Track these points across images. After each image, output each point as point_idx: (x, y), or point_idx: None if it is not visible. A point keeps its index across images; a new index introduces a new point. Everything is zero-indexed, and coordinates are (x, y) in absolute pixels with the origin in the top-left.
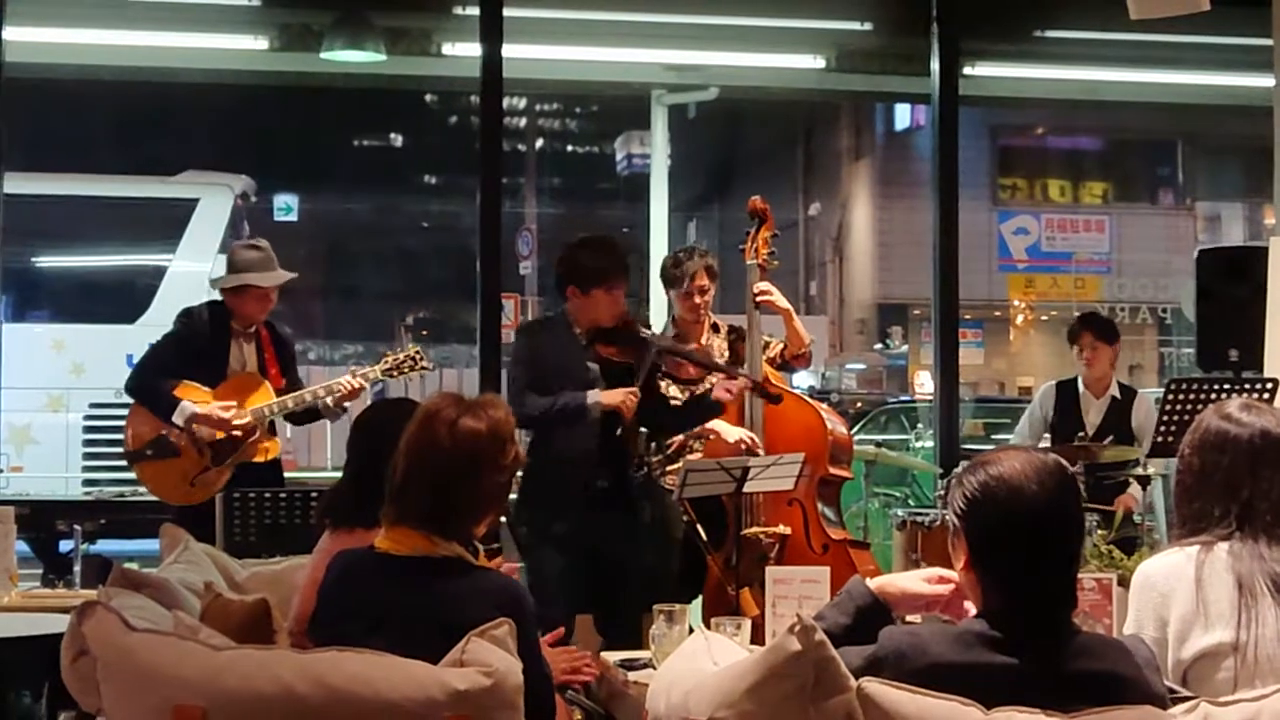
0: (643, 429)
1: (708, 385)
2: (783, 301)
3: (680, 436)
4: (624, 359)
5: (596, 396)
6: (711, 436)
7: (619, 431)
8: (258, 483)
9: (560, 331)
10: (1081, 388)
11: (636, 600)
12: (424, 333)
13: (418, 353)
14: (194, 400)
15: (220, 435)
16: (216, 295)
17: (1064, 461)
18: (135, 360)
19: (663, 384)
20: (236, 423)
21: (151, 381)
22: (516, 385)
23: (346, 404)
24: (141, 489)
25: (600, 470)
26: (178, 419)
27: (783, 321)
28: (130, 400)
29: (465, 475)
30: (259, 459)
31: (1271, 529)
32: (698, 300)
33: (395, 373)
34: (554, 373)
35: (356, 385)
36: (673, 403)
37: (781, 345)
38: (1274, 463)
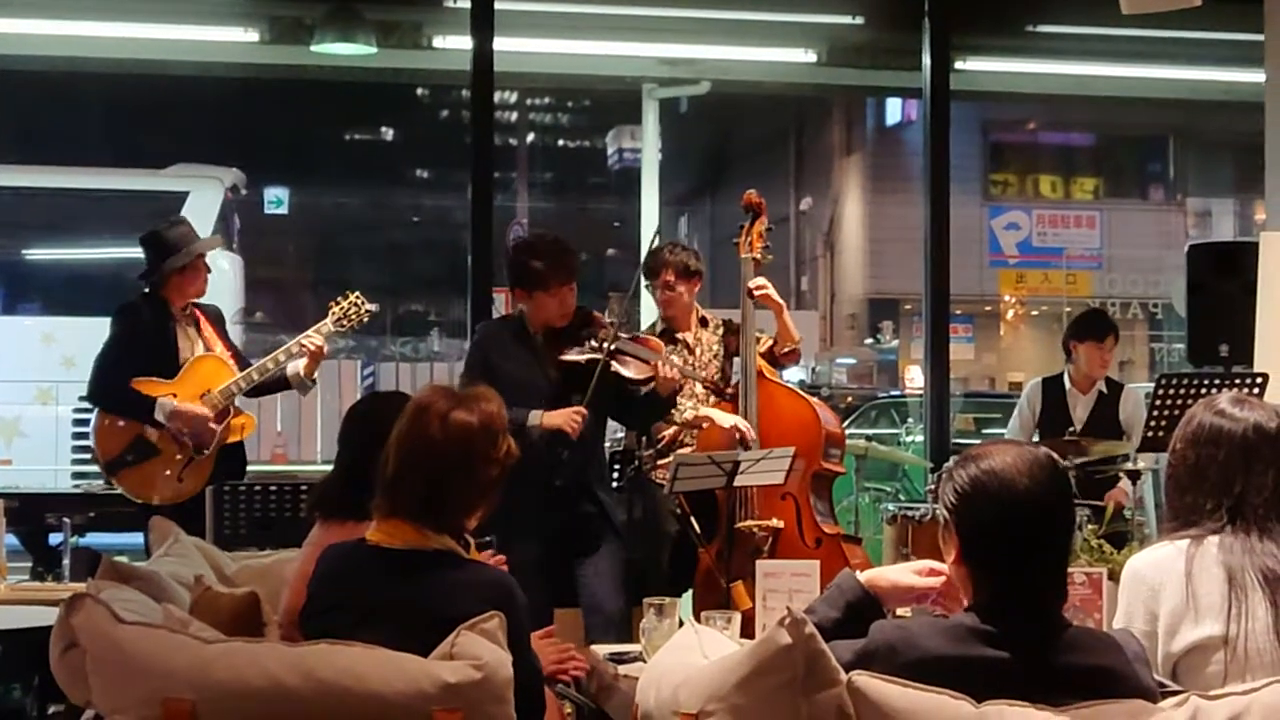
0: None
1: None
2: (777, 297)
3: (671, 430)
4: (578, 359)
5: (538, 418)
6: (705, 425)
7: (564, 455)
8: (226, 464)
9: (517, 333)
10: (1068, 384)
11: (615, 594)
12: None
13: (359, 297)
14: (162, 395)
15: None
16: (143, 289)
17: (1055, 455)
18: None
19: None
20: (213, 422)
21: (115, 387)
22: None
23: (315, 374)
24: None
25: (556, 471)
26: (159, 416)
27: (774, 317)
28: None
29: (457, 468)
30: (236, 438)
31: (1264, 522)
32: (668, 294)
33: (345, 322)
34: (507, 379)
35: (312, 347)
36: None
37: (771, 340)
38: (1266, 457)
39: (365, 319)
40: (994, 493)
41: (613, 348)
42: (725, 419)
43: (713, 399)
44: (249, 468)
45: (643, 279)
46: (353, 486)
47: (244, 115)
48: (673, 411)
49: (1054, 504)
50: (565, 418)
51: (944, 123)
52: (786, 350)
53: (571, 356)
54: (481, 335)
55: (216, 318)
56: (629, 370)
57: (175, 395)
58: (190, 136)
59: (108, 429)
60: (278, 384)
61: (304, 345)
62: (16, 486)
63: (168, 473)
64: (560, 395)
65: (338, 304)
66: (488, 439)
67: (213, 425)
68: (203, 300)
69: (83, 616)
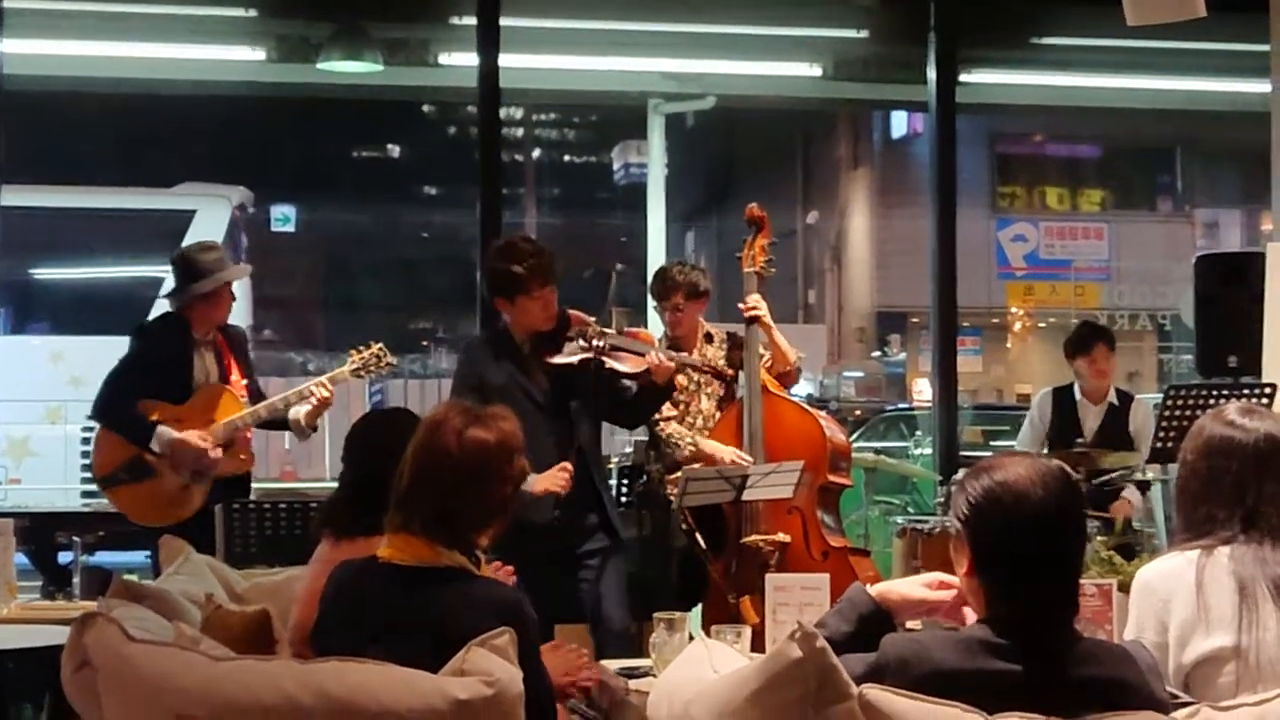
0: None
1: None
2: (768, 319)
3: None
4: (570, 361)
5: (530, 484)
6: (703, 460)
7: (556, 516)
8: (227, 493)
9: (503, 346)
10: (1078, 395)
11: (621, 608)
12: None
13: (381, 349)
14: (165, 420)
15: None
16: (166, 308)
17: (1067, 468)
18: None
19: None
20: (212, 452)
21: (120, 406)
22: None
23: (317, 423)
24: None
25: (552, 501)
26: (156, 446)
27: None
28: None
29: (471, 485)
30: (234, 471)
31: (1276, 532)
32: (676, 315)
33: (364, 372)
34: (498, 393)
35: (318, 397)
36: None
37: (767, 363)
38: (1278, 466)
39: (384, 371)
40: (1007, 505)
41: (604, 344)
42: (724, 453)
43: (716, 416)
44: (256, 485)
45: (650, 299)
46: (359, 504)
47: (251, 133)
48: (673, 446)
49: (1066, 516)
50: (552, 479)
51: (950, 135)
52: (783, 371)
53: (563, 359)
54: (469, 351)
55: (238, 341)
56: (624, 365)
57: (181, 420)
58: (197, 155)
59: (106, 444)
60: (280, 424)
61: (312, 392)
62: (26, 505)
63: (158, 496)
64: (555, 402)
65: (359, 352)
66: (503, 457)
67: (211, 455)
68: (231, 328)
69: (94, 635)
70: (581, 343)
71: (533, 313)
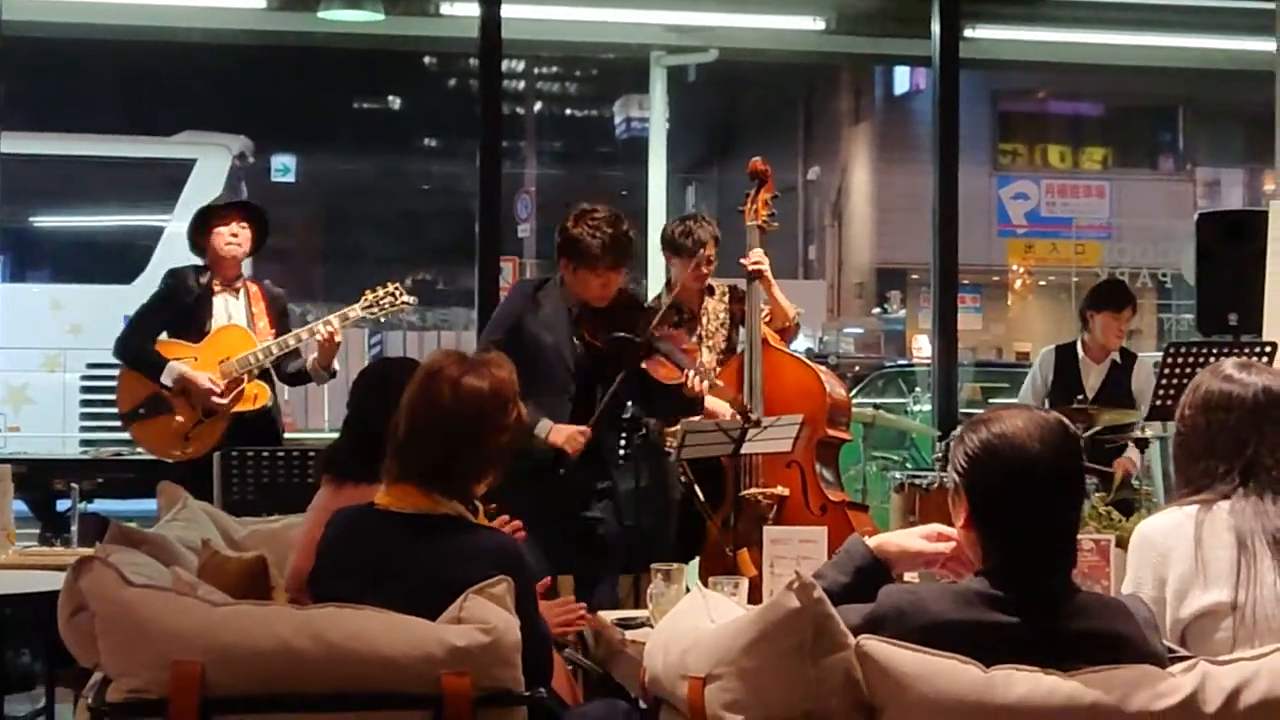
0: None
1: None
2: (769, 274)
3: None
4: (606, 347)
5: (545, 430)
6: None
7: (561, 471)
8: (251, 431)
9: (554, 299)
10: (1081, 353)
11: (612, 561)
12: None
13: (396, 288)
14: (180, 358)
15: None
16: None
17: (1066, 421)
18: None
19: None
20: (216, 397)
21: (138, 344)
22: (483, 343)
23: (335, 365)
24: (141, 448)
25: (553, 456)
26: (166, 379)
27: (778, 289)
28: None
29: (467, 434)
30: (247, 407)
31: (1276, 485)
32: (705, 270)
33: (375, 309)
34: (534, 344)
35: (335, 328)
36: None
37: (767, 317)
38: (1277, 418)
39: (400, 310)
40: (1005, 457)
41: (651, 345)
42: (725, 411)
43: (717, 370)
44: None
45: (674, 255)
46: (362, 450)
47: (252, 82)
48: None
49: (1065, 469)
50: (569, 437)
51: (953, 92)
52: (782, 328)
53: (601, 344)
54: (517, 294)
55: (275, 301)
56: (659, 373)
57: (196, 358)
58: (198, 104)
59: (128, 381)
60: (302, 375)
61: (314, 333)
62: (25, 453)
63: (175, 431)
64: (586, 374)
65: (373, 290)
66: (499, 405)
67: (216, 398)
68: (272, 287)
69: (91, 579)
70: (629, 343)
71: (590, 288)
